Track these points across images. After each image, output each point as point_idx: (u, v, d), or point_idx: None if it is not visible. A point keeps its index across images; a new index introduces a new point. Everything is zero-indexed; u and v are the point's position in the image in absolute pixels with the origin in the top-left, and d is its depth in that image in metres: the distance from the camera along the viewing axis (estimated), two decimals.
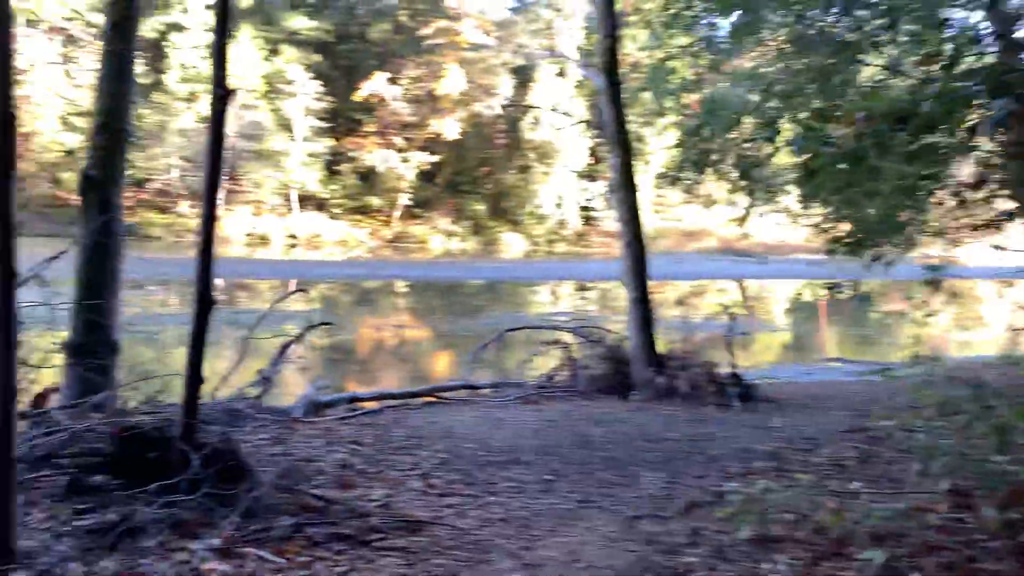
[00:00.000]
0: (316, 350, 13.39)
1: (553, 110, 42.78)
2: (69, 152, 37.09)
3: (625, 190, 8.90)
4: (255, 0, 43.00)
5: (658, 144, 36.07)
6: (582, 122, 44.02)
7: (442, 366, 13.95)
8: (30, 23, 37.23)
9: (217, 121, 4.41)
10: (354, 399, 8.09)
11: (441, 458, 5.70)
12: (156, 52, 40.67)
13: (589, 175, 48.60)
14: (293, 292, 8.60)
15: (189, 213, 37.48)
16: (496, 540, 4.14)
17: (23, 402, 5.97)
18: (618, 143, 8.95)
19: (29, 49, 36.76)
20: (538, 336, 11.01)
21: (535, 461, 5.74)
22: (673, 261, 34.18)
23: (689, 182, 12.18)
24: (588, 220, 49.12)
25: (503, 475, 5.36)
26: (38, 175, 36.68)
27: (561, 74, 47.46)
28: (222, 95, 4.39)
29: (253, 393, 6.86)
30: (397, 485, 4.98)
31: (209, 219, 4.49)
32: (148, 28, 39.83)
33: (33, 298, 5.95)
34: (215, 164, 4.47)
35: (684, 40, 11.55)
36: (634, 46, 22.13)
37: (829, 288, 8.31)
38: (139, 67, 38.19)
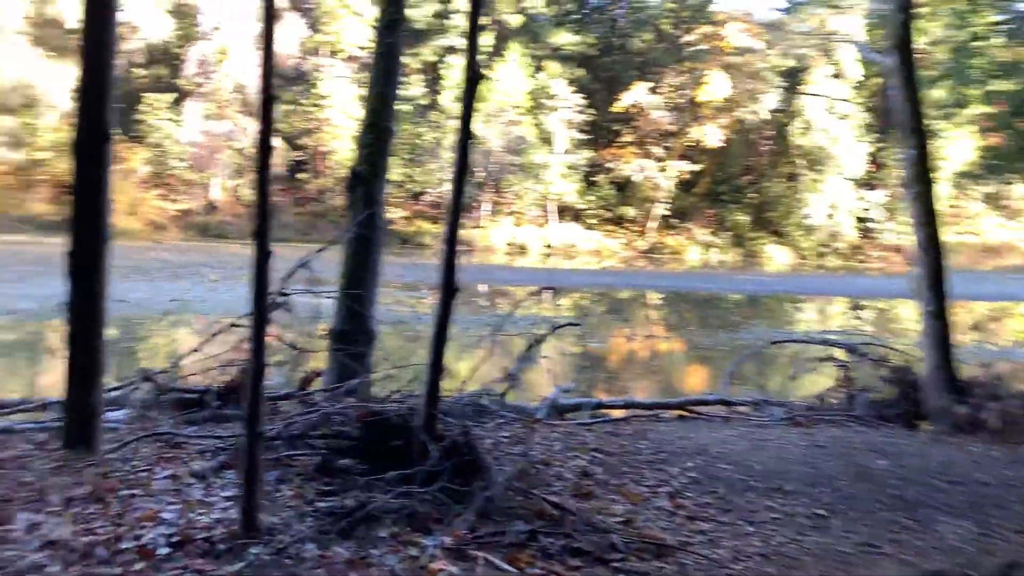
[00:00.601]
0: (565, 355, 13.31)
1: (836, 100, 39.21)
2: None
3: (920, 185, 7.65)
4: (523, 19, 44.83)
5: (954, 143, 31.87)
6: (868, 109, 39.77)
7: (695, 379, 13.19)
8: (333, 53, 42.00)
9: (467, 104, 4.35)
10: (599, 405, 7.77)
11: (692, 477, 5.15)
12: (434, 74, 43.88)
13: (867, 183, 44.39)
14: (539, 291, 8.48)
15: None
16: None
17: (294, 384, 6.40)
18: (912, 132, 7.72)
19: (329, 76, 41.43)
20: (806, 353, 9.97)
21: (803, 491, 4.99)
22: (969, 280, 30.00)
23: (996, 182, 10.44)
24: (865, 232, 44.84)
25: (764, 503, 4.70)
26: (334, 189, 41.10)
27: (837, 75, 43.91)
28: (472, 78, 4.38)
29: (499, 390, 6.77)
30: (641, 502, 4.54)
31: (456, 208, 4.41)
32: (428, 51, 43.22)
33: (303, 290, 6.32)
34: (464, 149, 4.40)
35: (994, 18, 9.97)
36: (924, 40, 19.92)
37: None
38: (418, 88, 41.53)
